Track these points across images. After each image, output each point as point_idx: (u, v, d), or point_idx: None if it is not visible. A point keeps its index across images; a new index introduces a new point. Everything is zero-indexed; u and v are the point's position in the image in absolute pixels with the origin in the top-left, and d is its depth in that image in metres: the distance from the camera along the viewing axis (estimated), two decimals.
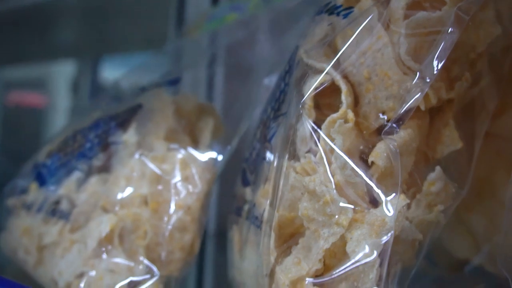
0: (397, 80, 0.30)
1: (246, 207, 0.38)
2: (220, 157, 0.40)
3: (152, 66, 0.60)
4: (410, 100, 0.29)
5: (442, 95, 0.31)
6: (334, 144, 0.28)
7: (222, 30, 0.58)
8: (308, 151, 0.32)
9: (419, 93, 0.29)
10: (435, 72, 0.28)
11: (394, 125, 0.29)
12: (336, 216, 0.26)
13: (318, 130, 0.29)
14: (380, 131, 0.31)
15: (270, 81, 0.42)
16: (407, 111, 0.29)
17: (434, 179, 0.30)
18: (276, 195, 0.31)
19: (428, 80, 0.28)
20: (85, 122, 0.49)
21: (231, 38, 0.57)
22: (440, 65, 0.28)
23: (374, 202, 0.28)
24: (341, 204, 0.27)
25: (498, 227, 0.40)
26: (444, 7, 0.29)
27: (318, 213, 0.28)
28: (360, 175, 0.28)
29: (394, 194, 0.27)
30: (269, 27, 0.53)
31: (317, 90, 0.31)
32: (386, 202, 0.27)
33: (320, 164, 0.29)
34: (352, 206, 0.27)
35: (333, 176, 0.28)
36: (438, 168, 0.30)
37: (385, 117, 0.30)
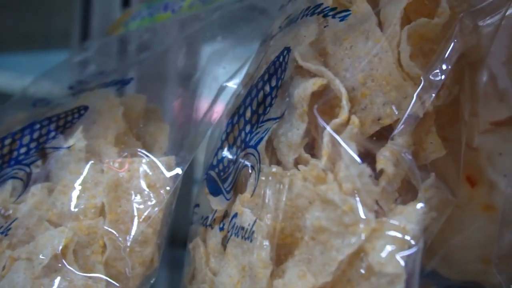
0: (396, 86, 0.29)
1: (216, 215, 0.35)
2: (182, 166, 0.37)
3: (74, 64, 0.56)
4: (409, 108, 0.29)
5: (434, 102, 0.31)
6: (350, 151, 0.27)
7: (151, 29, 0.55)
8: (298, 158, 0.31)
9: (418, 101, 0.29)
10: (441, 83, 0.28)
11: (400, 129, 0.28)
12: (360, 225, 0.25)
13: (335, 134, 0.28)
14: (373, 137, 0.30)
15: (229, 83, 0.40)
16: (408, 118, 0.29)
17: (429, 185, 0.30)
18: (274, 204, 0.29)
19: (433, 90, 0.28)
20: (10, 124, 0.44)
21: (159, 39, 0.54)
22: (444, 75, 0.28)
23: (381, 211, 0.27)
24: (362, 213, 0.26)
25: (454, 230, 0.41)
26: (445, 13, 0.29)
27: (332, 222, 0.26)
28: (376, 182, 0.27)
29: (420, 204, 0.26)
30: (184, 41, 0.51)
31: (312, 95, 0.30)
32: (402, 210, 0.26)
33: (329, 171, 0.27)
34: (374, 215, 0.26)
35: (342, 184, 0.27)
36: (432, 174, 0.30)
37: (382, 123, 0.30)
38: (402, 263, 0.24)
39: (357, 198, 0.26)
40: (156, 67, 0.53)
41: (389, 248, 0.25)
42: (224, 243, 0.34)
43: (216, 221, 0.35)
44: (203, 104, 0.44)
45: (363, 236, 0.25)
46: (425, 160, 0.32)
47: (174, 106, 0.50)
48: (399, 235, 0.25)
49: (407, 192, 0.30)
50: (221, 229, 0.34)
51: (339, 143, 0.28)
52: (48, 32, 1.06)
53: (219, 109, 0.41)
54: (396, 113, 0.29)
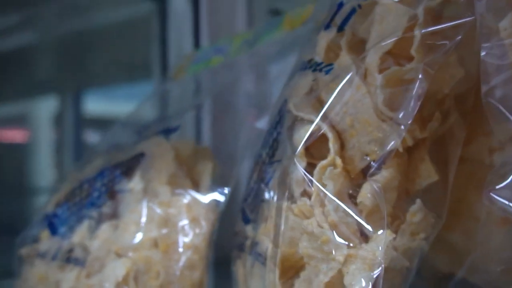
0: (377, 127, 0.34)
1: (248, 242, 0.41)
2: (221, 198, 0.44)
3: (145, 111, 0.64)
4: (389, 144, 0.33)
5: (417, 135, 0.35)
6: (326, 190, 0.32)
7: (207, 73, 0.62)
8: (303, 193, 0.36)
9: (397, 138, 0.33)
10: (409, 121, 0.32)
11: (376, 166, 0.33)
12: (333, 252, 0.30)
13: (310, 176, 0.33)
14: (365, 172, 0.35)
15: (261, 124, 0.46)
16: (387, 153, 0.33)
17: (415, 210, 0.34)
18: (278, 234, 0.35)
19: (403, 127, 0.33)
20: (89, 171, 0.53)
21: (216, 81, 0.61)
22: (414, 113, 0.32)
23: (365, 237, 0.32)
24: (336, 242, 0.31)
25: (477, 242, 0.44)
26: (412, 62, 0.33)
27: (317, 251, 0.32)
28: (351, 215, 0.32)
29: (382, 231, 0.31)
30: (252, 69, 0.57)
31: (307, 139, 0.35)
32: (376, 237, 0.31)
33: (315, 207, 0.33)
34: (346, 243, 0.31)
35: (327, 217, 0.32)
36: (418, 200, 0.34)
37: (369, 159, 0.34)
38: (364, 283, 0.29)
39: (333, 230, 0.31)
40: (225, 99, 0.60)
41: (358, 270, 0.30)
42: (253, 266, 0.40)
43: (248, 247, 0.41)
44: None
45: (339, 261, 0.30)
46: (419, 186, 0.36)
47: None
48: (368, 259, 0.30)
49: (397, 217, 0.34)
50: (250, 254, 0.40)
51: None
52: (130, 69, 1.20)
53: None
54: (379, 149, 0.34)
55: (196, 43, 0.84)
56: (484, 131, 0.42)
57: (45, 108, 1.65)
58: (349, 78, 0.35)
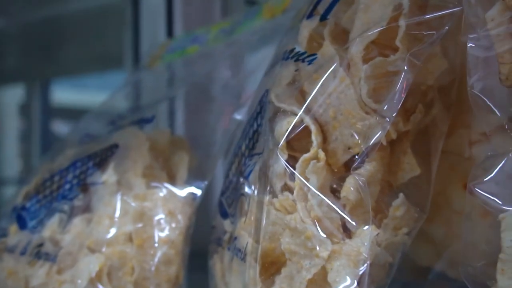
0: (360, 119, 0.33)
1: (226, 237, 0.40)
2: (198, 192, 0.43)
3: (119, 100, 0.62)
4: (373, 137, 0.33)
5: (400, 128, 0.34)
6: (310, 184, 0.31)
7: (182, 62, 0.60)
8: (284, 187, 0.35)
9: (381, 131, 0.32)
10: (394, 114, 0.32)
11: (360, 159, 0.32)
12: (317, 248, 0.29)
13: (293, 170, 0.32)
14: (347, 165, 0.34)
15: (239, 115, 0.45)
16: (371, 146, 0.32)
17: (398, 204, 0.33)
18: (259, 229, 0.34)
19: (388, 120, 0.32)
20: (60, 162, 0.51)
21: (192, 71, 0.59)
22: (399, 105, 0.32)
23: (348, 232, 0.31)
24: (320, 238, 0.30)
25: (456, 235, 0.44)
26: (398, 53, 0.32)
27: (299, 247, 0.31)
28: (335, 210, 0.31)
29: (367, 226, 0.30)
30: (230, 58, 0.56)
31: (289, 131, 0.34)
32: (360, 232, 0.30)
33: (298, 201, 0.32)
34: (330, 240, 0.30)
35: (310, 212, 0.31)
36: (401, 194, 0.33)
37: (352, 152, 0.33)
38: (349, 280, 0.28)
39: (317, 225, 0.30)
40: (201, 89, 0.58)
41: (342, 267, 0.29)
42: (232, 261, 0.39)
43: (226, 242, 0.40)
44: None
45: (323, 258, 0.29)
46: (402, 180, 0.36)
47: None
48: (353, 255, 0.29)
49: (380, 212, 0.34)
50: (229, 249, 0.39)
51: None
52: (100, 58, 1.19)
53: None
54: (362, 142, 0.33)
55: (170, 33, 0.82)
56: (464, 123, 0.42)
57: (11, 97, 1.61)
58: (333, 69, 0.34)
